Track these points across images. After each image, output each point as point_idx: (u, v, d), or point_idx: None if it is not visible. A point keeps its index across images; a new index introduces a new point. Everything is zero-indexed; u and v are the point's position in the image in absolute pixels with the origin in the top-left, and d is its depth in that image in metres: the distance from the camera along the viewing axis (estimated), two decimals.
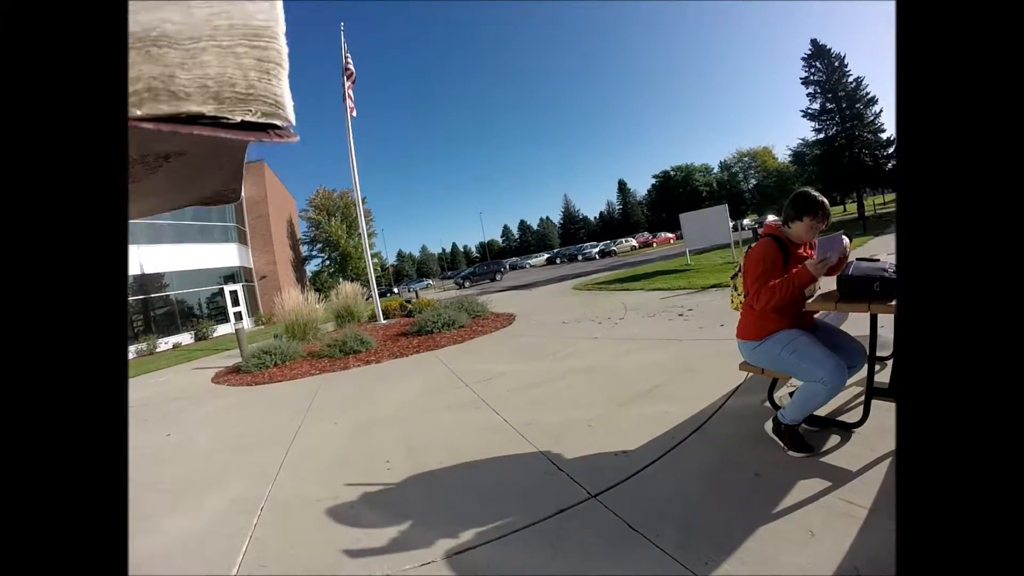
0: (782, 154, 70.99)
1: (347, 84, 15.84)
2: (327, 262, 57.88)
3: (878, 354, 3.39)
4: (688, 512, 2.75)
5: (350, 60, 15.91)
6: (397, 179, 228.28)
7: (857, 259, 3.23)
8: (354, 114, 16.09)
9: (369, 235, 60.11)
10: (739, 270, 3.54)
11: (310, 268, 56.92)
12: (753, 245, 3.31)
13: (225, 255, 30.70)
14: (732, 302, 3.69)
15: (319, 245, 57.66)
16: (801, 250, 3.26)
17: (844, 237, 3.11)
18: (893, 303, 2.81)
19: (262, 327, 27.54)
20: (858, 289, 3.01)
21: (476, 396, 5.73)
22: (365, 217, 19.16)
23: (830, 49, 45.30)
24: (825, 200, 3.18)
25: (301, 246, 53.35)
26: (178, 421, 7.09)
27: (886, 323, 3.67)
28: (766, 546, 2.36)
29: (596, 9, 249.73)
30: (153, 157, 0.93)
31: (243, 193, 33.87)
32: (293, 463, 4.52)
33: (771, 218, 7.59)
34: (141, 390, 10.46)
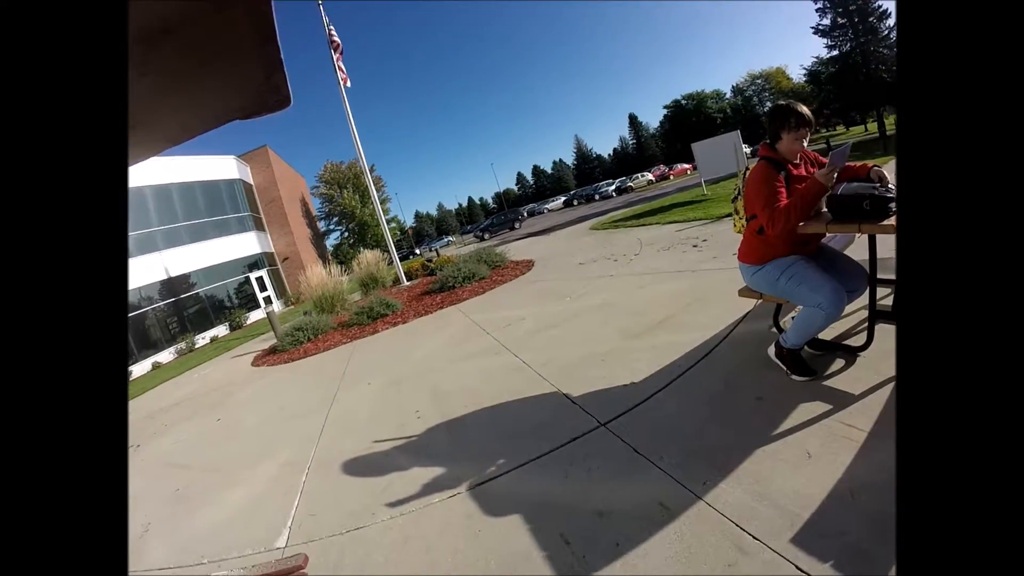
0: (797, 74, 68.88)
1: (335, 56, 15.82)
2: (345, 234, 57.94)
3: (882, 276, 3.40)
4: (690, 436, 2.92)
5: (334, 32, 15.84)
6: (406, 141, 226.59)
7: (847, 181, 3.08)
8: (348, 84, 16.09)
9: (382, 201, 59.75)
10: (738, 192, 3.50)
11: (330, 242, 57.14)
12: (750, 169, 3.26)
13: (245, 244, 30.98)
14: (735, 225, 3.64)
15: (335, 219, 57.67)
16: (798, 168, 3.18)
17: (846, 146, 3.05)
18: (883, 222, 2.76)
19: (292, 307, 27.86)
20: (847, 209, 2.91)
21: (497, 342, 5.97)
22: (376, 184, 19.16)
23: None
24: (796, 106, 3.06)
25: (318, 222, 53.16)
26: (225, 406, 7.41)
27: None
28: (763, 467, 2.47)
29: None
30: (156, 29, 0.99)
31: (251, 182, 34.09)
32: (333, 425, 4.86)
33: (747, 150, 7.44)
34: (187, 386, 10.83)
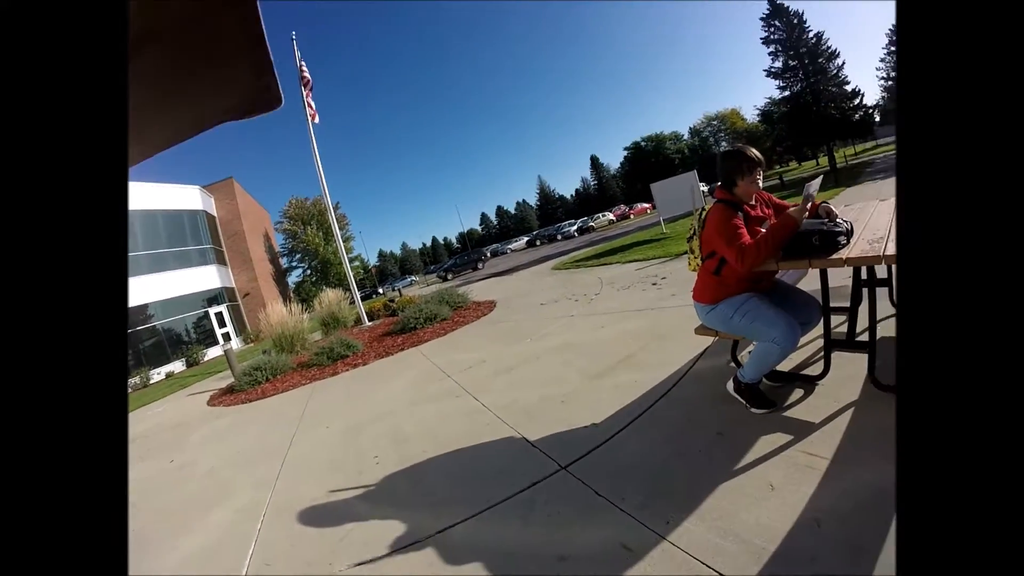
0: (750, 114, 71.61)
1: (305, 92, 15.80)
2: (308, 271, 57.17)
3: (835, 305, 3.48)
4: (652, 475, 2.90)
5: (305, 68, 15.88)
6: (371, 180, 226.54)
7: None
8: (316, 120, 16.05)
9: (346, 239, 59.24)
10: (694, 232, 3.53)
11: (292, 279, 56.21)
12: (708, 210, 3.31)
13: (205, 278, 30.32)
14: (689, 264, 3.68)
15: (298, 255, 56.96)
16: (754, 208, 3.24)
17: (814, 184, 3.14)
18: (832, 256, 2.84)
19: (251, 344, 27.35)
20: (797, 246, 2.98)
21: (457, 385, 5.90)
22: (340, 222, 19.14)
23: (788, 7, 45.40)
24: (746, 150, 3.14)
25: (280, 258, 52.51)
26: (180, 447, 7.18)
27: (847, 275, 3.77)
28: (726, 502, 2.47)
29: None
30: (143, 35, 0.99)
31: (215, 214, 33.64)
32: (290, 470, 4.71)
33: (704, 188, 7.64)
34: (140, 424, 10.46)
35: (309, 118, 15.85)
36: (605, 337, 6.25)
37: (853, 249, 2.86)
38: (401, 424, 5.08)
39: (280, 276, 47.47)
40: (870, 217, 3.63)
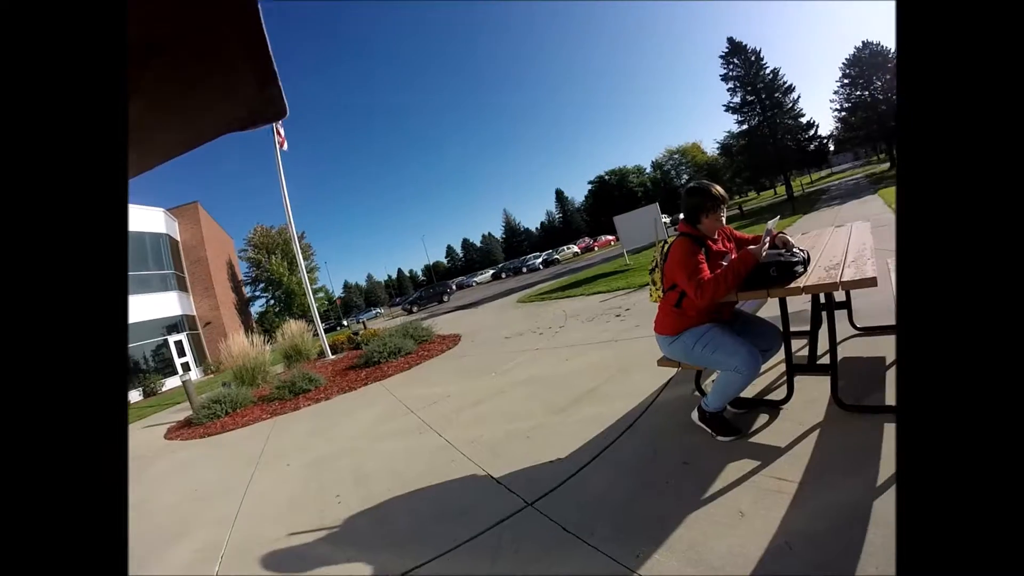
0: (710, 148, 73.46)
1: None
2: (272, 301, 56.28)
3: (795, 329, 3.55)
4: (620, 508, 2.88)
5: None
6: (337, 210, 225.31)
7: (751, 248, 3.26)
8: (284, 148, 15.91)
9: (311, 270, 58.61)
10: (655, 264, 3.58)
11: (255, 309, 55.36)
12: (670, 244, 3.35)
13: (166, 304, 29.69)
14: (651, 295, 3.72)
15: (262, 285, 55.97)
16: (716, 244, 3.32)
17: (772, 223, 3.24)
18: (791, 285, 2.92)
19: (211, 375, 26.74)
20: (755, 277, 3.05)
21: (421, 421, 5.82)
22: (305, 251, 18.94)
23: (746, 45, 47.19)
24: (711, 188, 3.21)
25: (244, 287, 51.79)
26: (135, 481, 6.87)
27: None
28: (695, 532, 2.46)
29: (515, 13, 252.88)
30: (144, 48, 0.99)
31: (179, 238, 33.05)
32: (249, 509, 4.57)
33: (666, 219, 7.78)
34: None
35: (277, 145, 15.68)
36: (570, 370, 6.27)
37: (811, 277, 2.96)
38: (364, 461, 4.99)
39: (243, 305, 46.74)
40: (826, 245, 3.74)
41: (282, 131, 15.81)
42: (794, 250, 3.11)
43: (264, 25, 1.07)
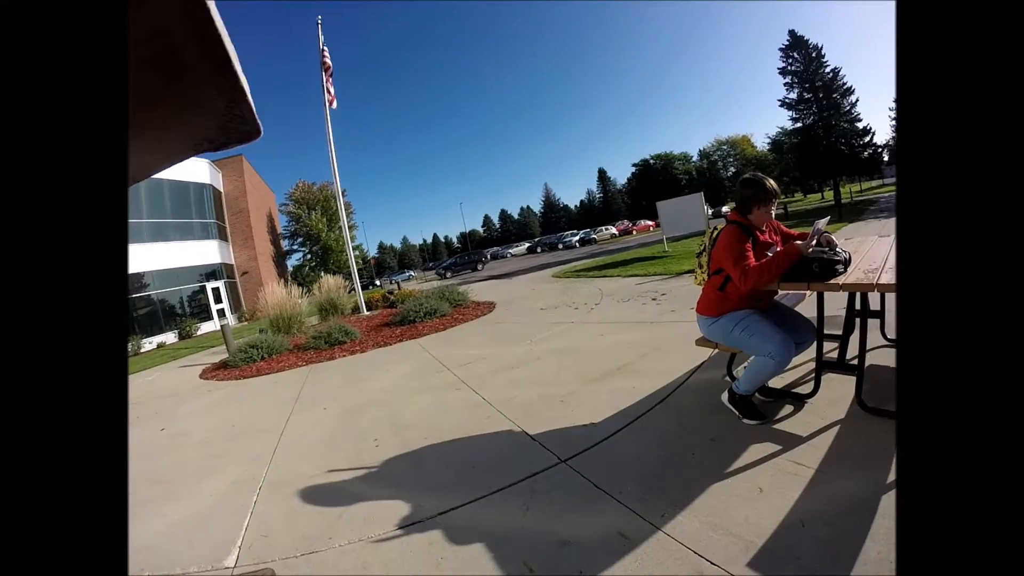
0: (761, 142, 72.01)
1: (325, 77, 15.82)
2: (308, 256, 56.66)
3: (828, 332, 3.68)
4: (649, 473, 3.05)
5: (327, 53, 15.90)
6: (377, 170, 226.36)
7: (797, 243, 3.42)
8: (334, 106, 16.06)
9: (350, 228, 59.01)
10: (703, 249, 3.78)
11: (291, 263, 55.71)
12: (720, 231, 3.52)
13: (206, 252, 30.23)
14: (696, 278, 3.90)
15: (300, 239, 56.31)
16: (763, 235, 3.46)
17: (822, 222, 3.36)
18: (830, 281, 3.06)
19: (245, 323, 27.11)
20: (799, 270, 3.19)
21: (457, 379, 6.01)
22: (346, 209, 19.12)
23: (808, 40, 45.95)
24: (766, 181, 3.36)
25: (282, 240, 52.20)
26: (171, 416, 7.17)
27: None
28: (717, 501, 2.63)
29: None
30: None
31: (222, 189, 33.54)
32: (286, 447, 4.75)
33: (710, 211, 7.81)
34: (130, 390, 10.39)
35: (327, 104, 15.85)
36: (604, 345, 6.40)
37: (849, 277, 3.07)
38: (400, 411, 5.17)
39: (280, 258, 47.12)
40: (868, 250, 3.83)
41: (332, 89, 15.96)
42: (837, 249, 3.23)
43: (226, 35, 0.99)
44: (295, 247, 56.85)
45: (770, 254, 3.30)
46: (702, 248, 3.82)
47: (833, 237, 3.38)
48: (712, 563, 2.19)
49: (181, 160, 1.38)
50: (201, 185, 30.96)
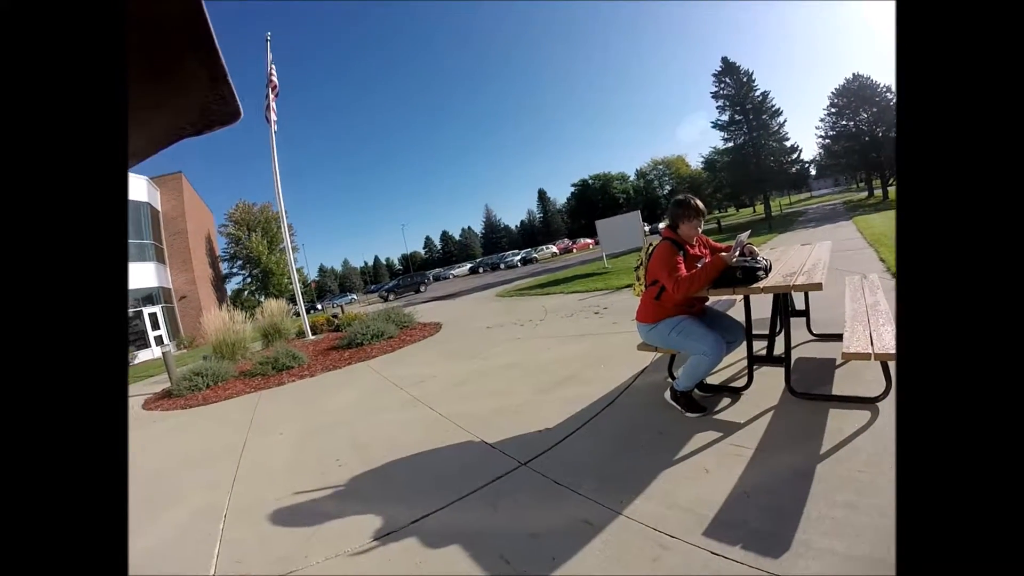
0: (695, 162, 74.50)
1: (271, 96, 15.71)
2: (248, 279, 55.37)
3: (757, 332, 4.13)
4: (604, 467, 3.35)
5: (274, 72, 15.78)
6: (317, 192, 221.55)
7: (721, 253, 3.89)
8: (276, 127, 15.96)
9: (292, 250, 57.48)
10: (640, 263, 4.19)
11: (230, 286, 54.15)
12: (655, 246, 3.90)
13: (142, 275, 28.81)
14: (635, 290, 4.31)
15: (239, 262, 54.82)
16: (693, 248, 3.87)
17: (744, 236, 3.85)
18: (752, 286, 3.53)
19: (184, 351, 26.31)
20: (724, 277, 3.63)
21: (412, 397, 6.13)
22: (288, 231, 18.84)
23: (739, 66, 48.44)
24: (693, 201, 3.80)
25: (220, 263, 50.56)
26: None
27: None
28: (669, 484, 2.97)
29: (517, 14, 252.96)
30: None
31: (159, 208, 32.32)
32: (247, 472, 4.68)
33: (647, 228, 8.31)
34: None
35: (271, 124, 15.75)
36: (551, 357, 6.72)
37: (770, 281, 3.59)
38: (359, 431, 5.23)
39: (219, 282, 45.67)
40: (790, 258, 4.34)
41: (275, 108, 15.86)
42: (758, 258, 3.75)
43: (209, 18, 0.98)
44: (234, 270, 55.38)
45: (700, 266, 3.71)
46: (639, 263, 4.25)
47: (754, 248, 3.88)
48: (672, 536, 2.48)
49: (163, 147, 1.31)
50: (138, 203, 29.74)
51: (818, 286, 3.32)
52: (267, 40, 16.20)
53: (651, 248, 3.97)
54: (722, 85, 48.98)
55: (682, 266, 3.65)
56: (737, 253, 3.70)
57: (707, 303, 4.20)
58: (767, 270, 3.71)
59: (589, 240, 59.92)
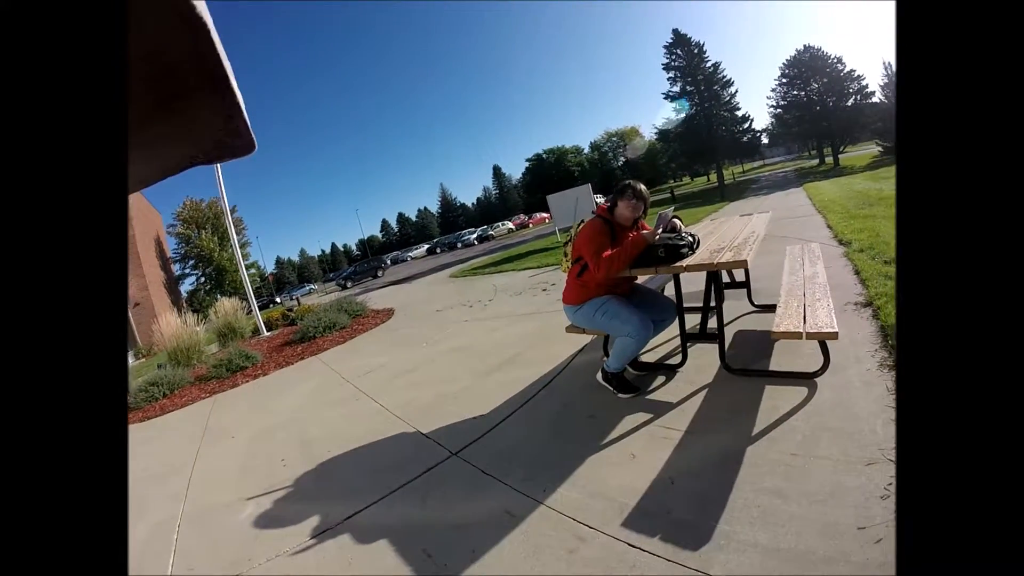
0: (648, 133, 74.63)
1: None
2: (202, 279, 54.46)
3: (688, 305, 4.13)
4: (532, 454, 3.40)
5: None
6: (267, 182, 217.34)
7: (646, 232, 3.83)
8: None
9: (242, 245, 55.59)
10: (569, 239, 4.07)
11: (185, 288, 52.93)
12: (584, 223, 3.87)
13: None
14: (562, 266, 4.19)
15: (192, 262, 54.00)
16: (629, 231, 3.82)
17: (668, 212, 3.82)
18: (675, 264, 3.50)
19: (142, 360, 25.79)
20: (646, 256, 3.60)
21: (357, 390, 6.18)
22: (237, 226, 18.48)
23: (690, 38, 48.71)
24: (636, 186, 3.76)
25: (172, 265, 49.01)
26: None
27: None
28: (594, 471, 3.00)
29: None
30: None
31: None
32: (200, 481, 4.72)
33: (600, 200, 8.29)
34: None
35: None
36: (496, 340, 6.83)
37: (694, 258, 3.54)
38: (306, 428, 5.27)
39: (172, 284, 44.65)
40: (723, 232, 4.31)
41: None
42: (683, 234, 3.69)
43: (223, 52, 1.00)
44: (187, 271, 54.33)
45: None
46: (568, 239, 4.13)
47: (678, 222, 3.84)
48: (590, 527, 2.52)
49: (175, 173, 1.36)
50: None
51: (742, 263, 3.24)
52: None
53: (581, 224, 3.94)
54: (673, 56, 49.26)
55: (607, 244, 3.65)
56: (660, 230, 3.67)
57: (637, 281, 4.20)
58: (692, 246, 3.64)
59: (545, 215, 59.94)
